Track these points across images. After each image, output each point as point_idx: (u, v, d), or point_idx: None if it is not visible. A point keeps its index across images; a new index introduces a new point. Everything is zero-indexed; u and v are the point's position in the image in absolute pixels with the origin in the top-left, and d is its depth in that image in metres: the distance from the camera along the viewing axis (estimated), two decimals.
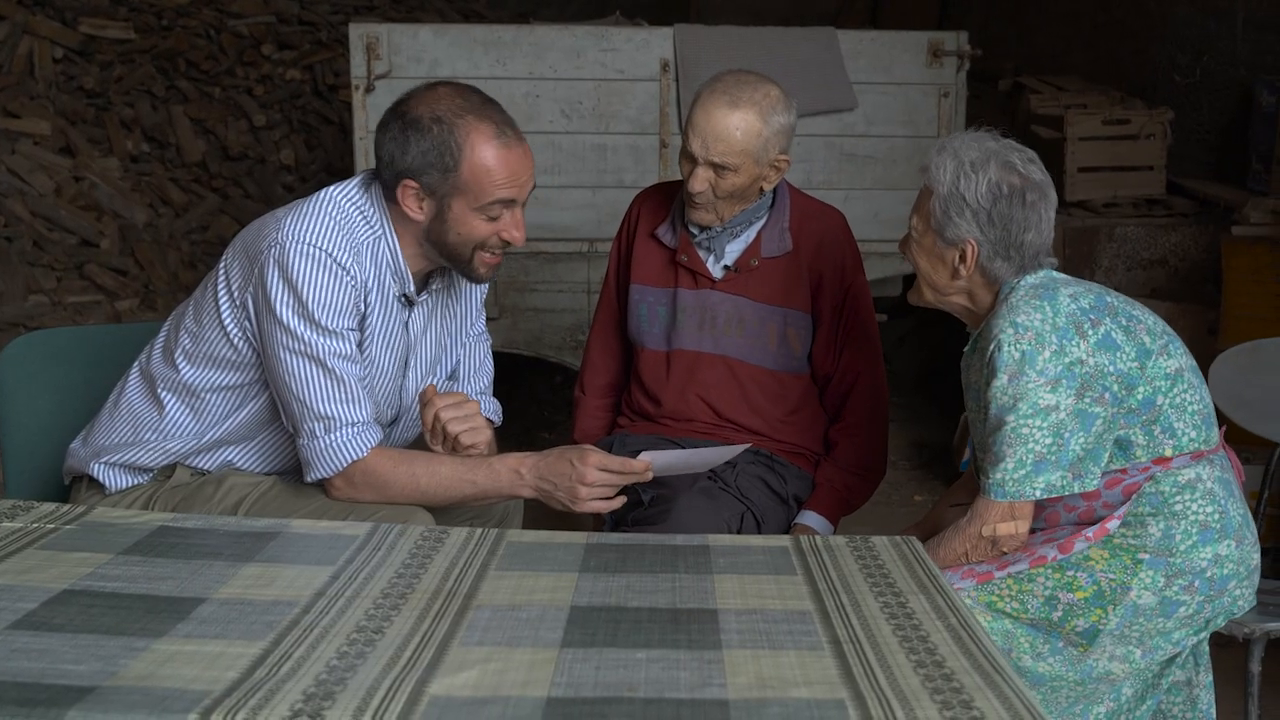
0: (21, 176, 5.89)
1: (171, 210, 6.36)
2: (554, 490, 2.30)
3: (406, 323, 2.45)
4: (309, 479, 2.34)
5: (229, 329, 2.34)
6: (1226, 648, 2.67)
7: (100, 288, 5.69)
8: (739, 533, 2.70)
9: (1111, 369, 2.29)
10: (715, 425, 2.90)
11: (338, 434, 2.29)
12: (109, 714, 1.44)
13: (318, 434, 2.29)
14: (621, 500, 2.34)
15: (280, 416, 2.37)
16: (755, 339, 2.90)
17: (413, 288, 2.42)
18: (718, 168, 2.74)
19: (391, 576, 1.92)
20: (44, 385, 2.67)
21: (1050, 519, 2.39)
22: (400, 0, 7.53)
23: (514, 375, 5.58)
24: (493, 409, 2.64)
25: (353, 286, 2.29)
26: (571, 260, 4.63)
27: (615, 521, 2.81)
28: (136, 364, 2.50)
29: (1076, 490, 2.30)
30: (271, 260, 2.26)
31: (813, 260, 2.90)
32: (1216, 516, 2.34)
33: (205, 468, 2.44)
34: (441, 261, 2.41)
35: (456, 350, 2.61)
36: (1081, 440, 2.29)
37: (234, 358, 2.36)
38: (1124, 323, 2.34)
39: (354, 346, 2.32)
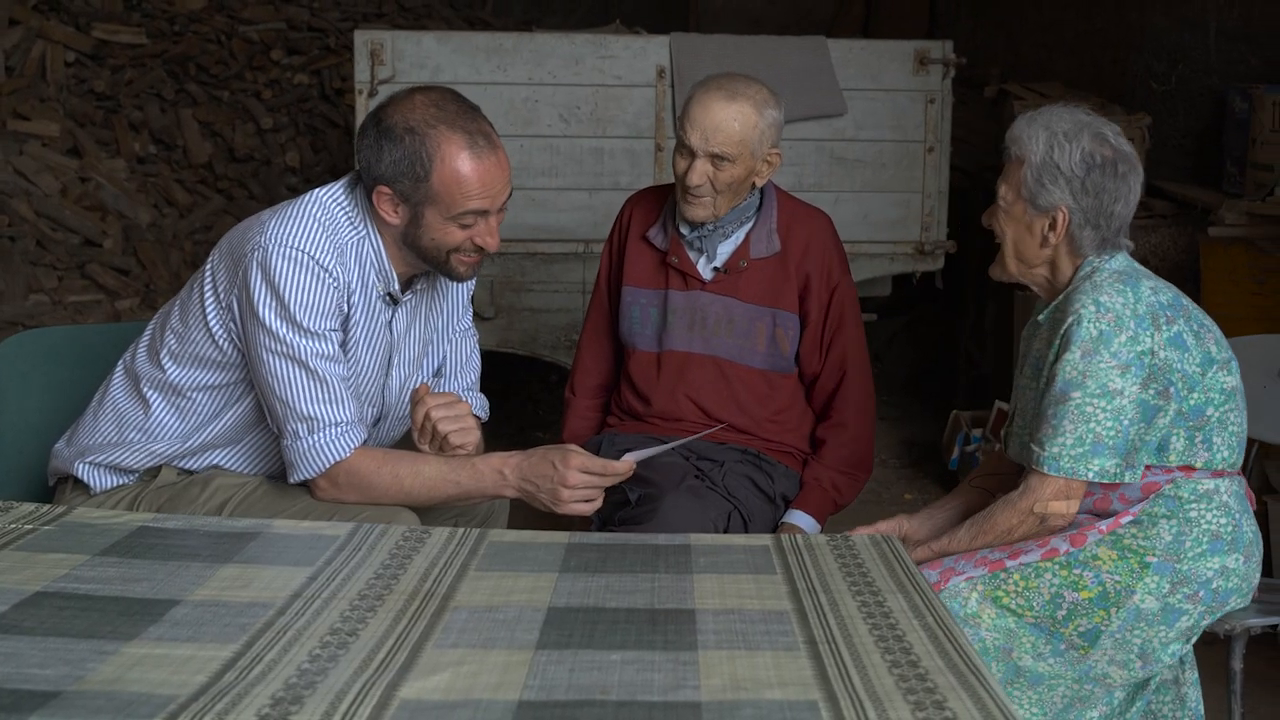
0: (28, 177, 5.91)
1: (176, 211, 6.38)
2: (536, 491, 2.30)
3: (390, 322, 2.46)
4: (293, 480, 2.34)
5: (214, 330, 2.35)
6: (1209, 645, 2.67)
7: (101, 287, 5.71)
8: (726, 532, 2.71)
9: (1179, 367, 2.31)
10: (704, 425, 2.91)
11: (321, 435, 2.29)
12: (71, 719, 1.42)
13: (301, 435, 2.30)
14: (601, 502, 2.35)
15: (265, 417, 2.38)
16: (744, 339, 2.92)
17: (397, 287, 2.42)
18: (716, 159, 2.76)
19: (370, 577, 1.91)
20: (35, 384, 2.67)
21: None
22: (408, 8, 7.56)
23: (509, 375, 5.60)
24: (479, 405, 2.65)
25: (335, 288, 2.30)
26: (567, 261, 4.66)
27: (602, 521, 2.81)
28: (121, 363, 2.50)
29: (1126, 480, 2.31)
30: (255, 262, 2.27)
31: (800, 261, 2.91)
32: (1229, 529, 2.35)
33: (191, 469, 2.44)
34: (419, 263, 2.42)
35: (442, 346, 2.62)
36: (1141, 431, 2.30)
37: (219, 358, 2.36)
38: (1195, 328, 2.35)
39: (336, 347, 2.33)
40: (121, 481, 2.44)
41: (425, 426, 2.37)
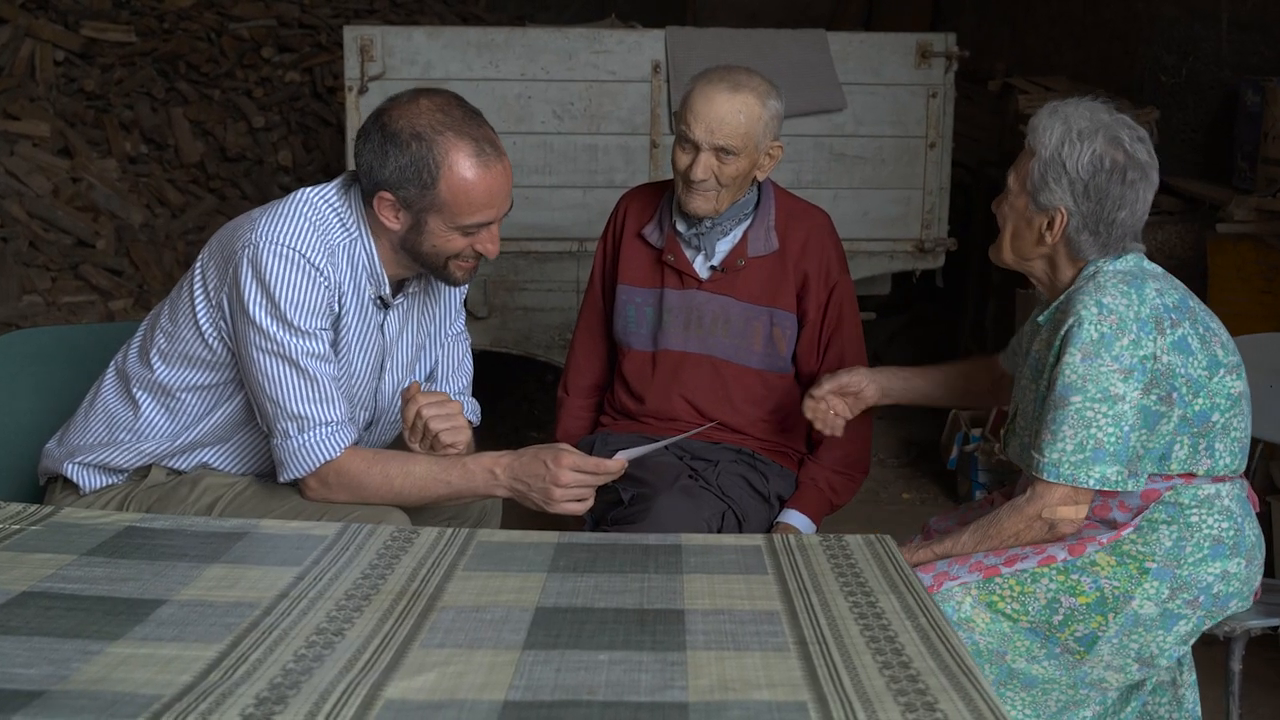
0: (19, 178, 5.90)
1: (168, 211, 6.37)
2: (528, 491, 2.29)
3: (382, 325, 2.44)
4: (283, 479, 2.33)
5: (204, 329, 2.33)
6: (1208, 646, 2.65)
7: (94, 288, 5.70)
8: (720, 532, 2.70)
9: (1182, 372, 2.27)
10: (698, 424, 2.89)
11: (311, 434, 2.28)
12: (55, 719, 1.42)
13: (291, 434, 2.28)
14: (593, 501, 2.33)
15: (255, 417, 2.36)
16: (741, 339, 2.90)
17: (388, 290, 2.41)
18: (721, 152, 2.74)
19: (357, 577, 1.90)
20: (25, 384, 2.66)
21: None
22: (400, 4, 7.55)
23: (503, 374, 5.59)
24: (471, 409, 2.63)
25: (326, 287, 2.28)
26: (561, 259, 4.64)
27: (596, 520, 2.80)
28: (113, 364, 2.49)
29: (1129, 488, 2.28)
30: (245, 260, 2.26)
31: (799, 259, 2.89)
32: (1231, 533, 2.33)
33: (181, 468, 2.44)
34: (416, 268, 2.40)
35: (435, 350, 2.61)
36: (1143, 438, 2.27)
37: (209, 357, 2.35)
38: (1201, 331, 2.31)
39: (327, 346, 2.31)
40: (111, 481, 2.43)
41: (416, 425, 2.36)
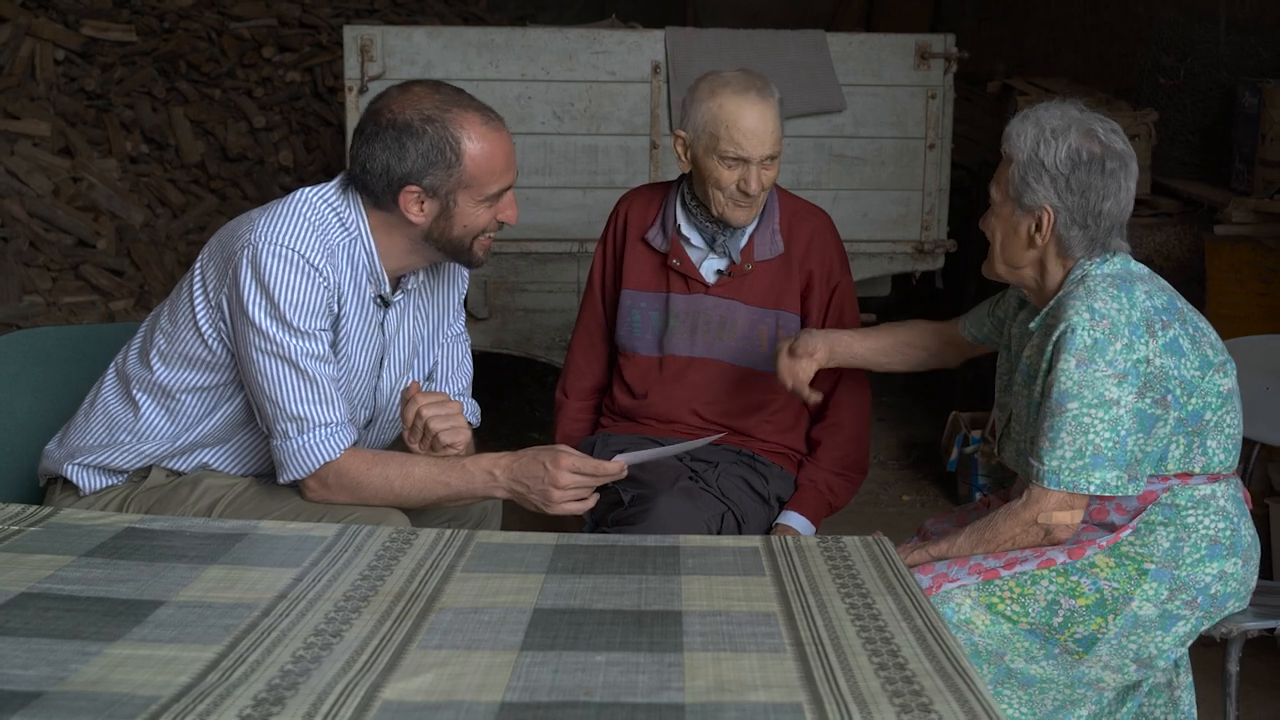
0: (19, 177, 5.90)
1: (169, 211, 6.37)
2: (527, 492, 2.29)
3: (381, 323, 2.45)
4: (282, 480, 2.33)
5: (204, 329, 2.33)
6: (1206, 647, 2.66)
7: (95, 288, 5.70)
8: (719, 533, 2.70)
9: (1175, 374, 2.27)
10: (699, 428, 2.89)
11: (310, 435, 2.28)
12: None
13: (291, 435, 2.29)
14: (593, 501, 2.34)
15: (255, 418, 2.37)
16: (746, 341, 2.90)
17: (388, 288, 2.41)
18: (770, 160, 2.77)
19: (355, 579, 1.91)
20: (25, 385, 2.66)
21: None
22: (400, 4, 7.54)
23: (504, 375, 5.59)
24: (471, 410, 2.64)
25: (325, 287, 2.29)
26: (561, 260, 4.64)
27: (595, 521, 2.80)
28: (113, 365, 2.49)
29: (1130, 493, 2.28)
30: (245, 260, 2.26)
31: (803, 260, 2.90)
32: (1228, 533, 2.33)
33: (181, 469, 2.44)
34: (439, 257, 2.40)
35: (434, 351, 2.61)
36: (1140, 441, 2.27)
37: (208, 358, 2.35)
38: (1191, 331, 2.31)
39: (327, 347, 2.31)
40: (111, 483, 2.43)
41: (416, 425, 2.36)
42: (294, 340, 2.26)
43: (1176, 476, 2.33)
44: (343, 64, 4.58)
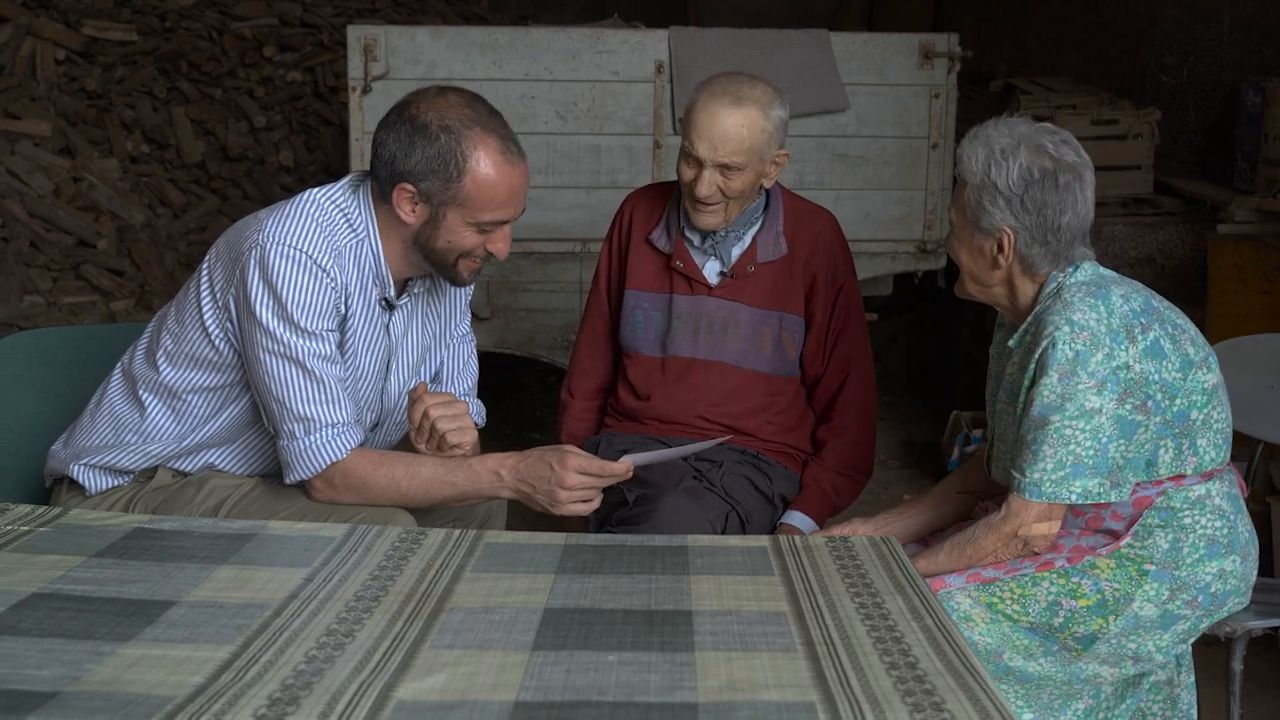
0: (20, 177, 5.90)
1: (170, 211, 6.37)
2: (533, 493, 2.29)
3: (388, 325, 2.45)
4: (288, 480, 2.33)
5: (210, 329, 2.34)
6: (1210, 647, 2.66)
7: (96, 288, 5.70)
8: (723, 533, 2.70)
9: (1156, 377, 2.27)
10: (703, 429, 2.89)
11: (317, 435, 2.28)
12: None
13: (297, 435, 2.29)
14: (599, 502, 2.34)
15: (261, 418, 2.37)
16: (750, 343, 2.90)
17: (393, 291, 2.42)
18: (726, 169, 2.73)
19: (366, 579, 1.91)
20: (30, 385, 2.66)
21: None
22: (401, 3, 7.54)
23: (506, 375, 5.59)
24: (476, 410, 2.64)
25: (332, 288, 2.29)
26: (564, 260, 4.64)
27: (600, 521, 2.80)
28: (119, 365, 2.49)
29: (1112, 499, 2.28)
30: (252, 261, 2.26)
31: (807, 262, 2.89)
32: (1225, 531, 2.33)
33: (187, 470, 2.44)
34: (425, 266, 2.40)
35: (440, 352, 2.61)
36: (1122, 448, 2.26)
37: (215, 359, 2.35)
38: (1170, 331, 2.31)
39: (334, 347, 2.32)
40: (117, 483, 2.44)
41: (423, 425, 2.36)
42: (301, 341, 2.26)
43: (1170, 480, 2.33)
44: (345, 64, 4.58)
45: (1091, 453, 2.24)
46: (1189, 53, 5.31)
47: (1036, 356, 2.28)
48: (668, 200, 2.97)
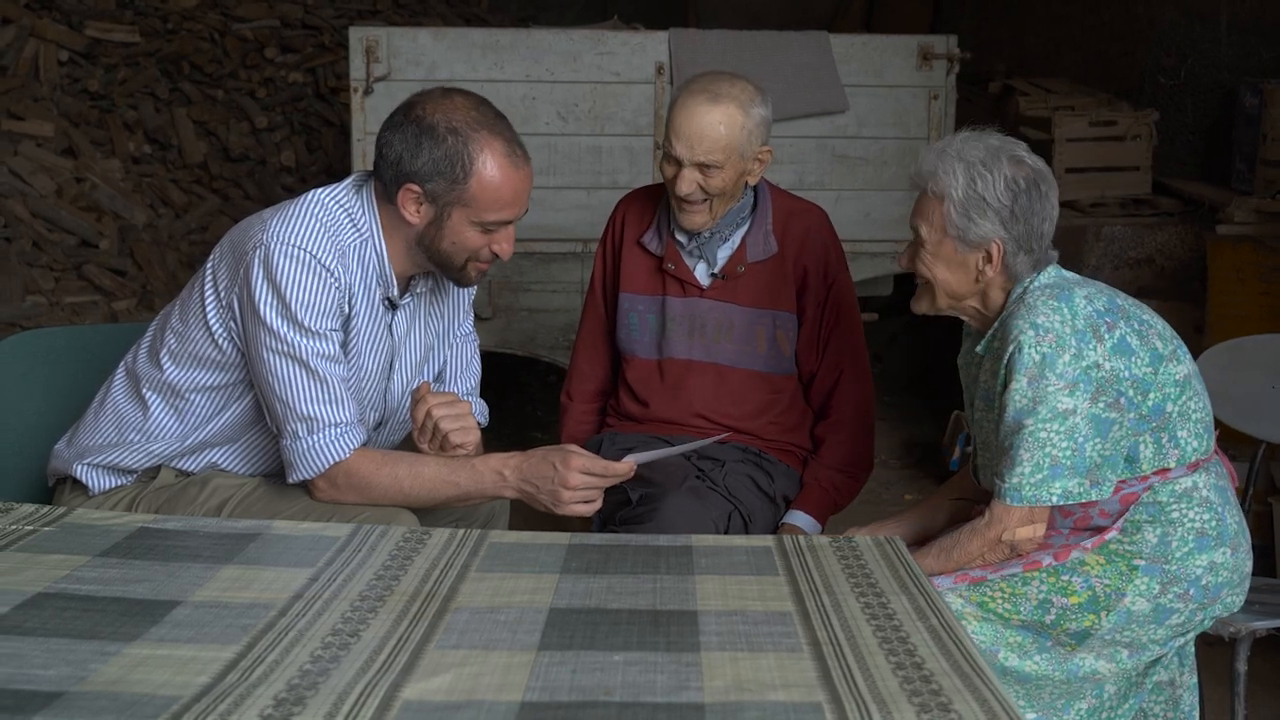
0: (23, 178, 5.90)
1: (172, 211, 6.37)
2: (536, 493, 2.30)
3: (391, 325, 2.45)
4: (291, 480, 2.33)
5: (214, 329, 2.34)
6: (1214, 647, 2.67)
7: (98, 288, 5.70)
8: (726, 533, 2.70)
9: (1126, 374, 2.28)
10: (705, 430, 2.89)
11: (320, 435, 2.28)
12: (75, 719, 1.43)
13: (300, 435, 2.29)
14: (601, 502, 2.34)
15: (265, 418, 2.37)
16: (745, 344, 2.90)
17: (396, 291, 2.42)
18: (704, 167, 2.72)
19: (370, 579, 1.91)
20: (33, 385, 2.66)
21: (1048, 521, 2.38)
22: (403, 5, 7.55)
23: (507, 375, 5.59)
24: (479, 410, 2.64)
25: (336, 288, 2.29)
26: (565, 260, 4.64)
27: (603, 520, 2.80)
28: (122, 364, 2.49)
29: (1093, 498, 2.29)
30: (256, 260, 2.26)
31: (797, 258, 2.89)
32: (1214, 524, 2.34)
33: (190, 469, 2.44)
34: (429, 266, 2.41)
35: (443, 351, 2.61)
36: (1098, 446, 2.27)
37: (218, 358, 2.36)
38: (1136, 327, 2.32)
39: (337, 347, 2.32)
40: (120, 482, 2.44)
41: (426, 425, 2.36)
42: (305, 340, 2.27)
43: (1155, 474, 2.34)
44: (346, 65, 4.58)
45: (1069, 453, 2.25)
46: (1187, 54, 5.32)
47: (1005, 361, 2.29)
48: (659, 203, 2.96)
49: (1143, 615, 2.32)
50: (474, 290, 2.64)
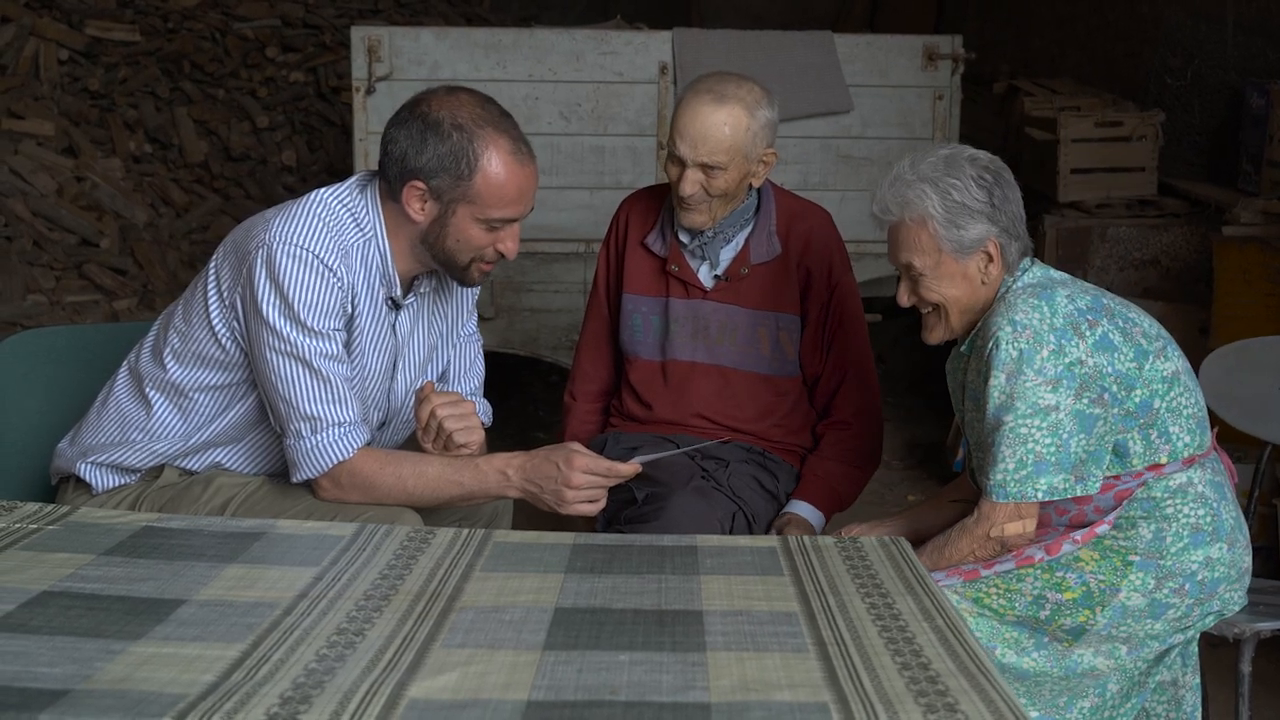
0: (24, 177, 5.90)
1: (172, 210, 6.38)
2: (540, 492, 2.29)
3: (394, 325, 2.44)
4: (295, 480, 2.33)
5: (217, 329, 2.33)
6: (1218, 648, 2.66)
7: (99, 287, 5.70)
8: (730, 532, 2.70)
9: (1110, 369, 2.29)
10: (711, 433, 2.88)
11: (324, 434, 2.28)
12: (81, 718, 1.42)
13: (304, 434, 2.28)
14: (605, 502, 2.33)
15: (268, 417, 2.37)
16: (748, 345, 2.89)
17: (399, 291, 2.41)
18: (708, 168, 2.71)
19: (375, 578, 1.91)
20: (35, 384, 2.66)
21: (1042, 520, 2.38)
22: (404, 4, 7.55)
23: (510, 375, 5.58)
24: (483, 410, 2.64)
25: (339, 288, 2.29)
26: (568, 260, 4.64)
27: (608, 520, 2.79)
28: (126, 363, 2.49)
29: (1079, 493, 2.30)
30: (259, 261, 2.26)
31: (800, 259, 2.88)
32: (1209, 519, 2.34)
33: (193, 468, 2.44)
34: (434, 265, 2.40)
35: (447, 351, 2.61)
36: (1083, 442, 2.28)
37: (222, 358, 2.35)
38: (1121, 324, 2.33)
39: (340, 347, 2.31)
40: (123, 481, 2.43)
41: (430, 424, 2.36)
42: (308, 340, 2.26)
43: (1149, 470, 2.34)
44: (347, 64, 4.58)
45: (1053, 449, 2.26)
46: (1193, 55, 5.31)
47: (985, 358, 2.31)
48: (663, 204, 2.95)
49: (1138, 610, 2.32)
50: (477, 290, 2.64)
